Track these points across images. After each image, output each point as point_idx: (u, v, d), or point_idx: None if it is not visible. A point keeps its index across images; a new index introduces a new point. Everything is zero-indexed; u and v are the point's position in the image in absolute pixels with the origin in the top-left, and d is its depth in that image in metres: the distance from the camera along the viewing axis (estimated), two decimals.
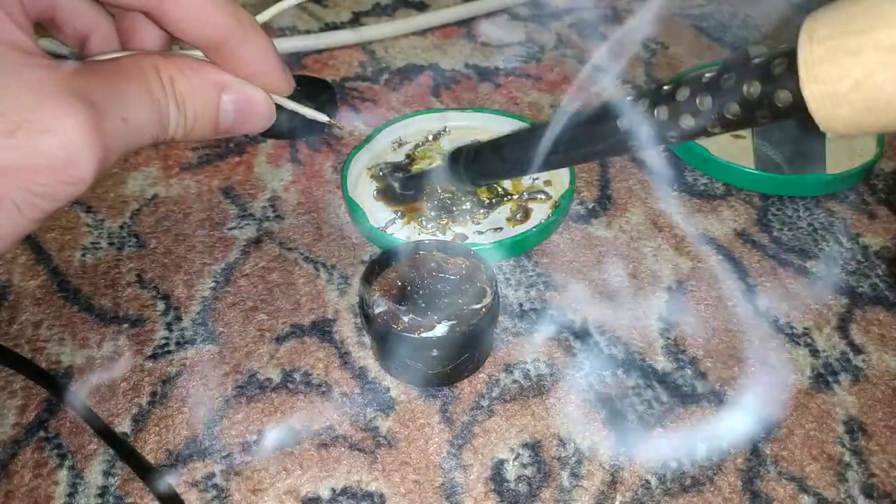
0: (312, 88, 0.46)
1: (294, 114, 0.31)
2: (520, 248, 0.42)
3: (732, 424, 0.34)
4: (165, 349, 0.37)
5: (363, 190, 0.46)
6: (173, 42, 0.31)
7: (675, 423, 0.34)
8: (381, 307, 0.35)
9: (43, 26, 0.30)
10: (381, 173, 0.47)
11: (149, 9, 0.25)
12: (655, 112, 0.28)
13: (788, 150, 0.46)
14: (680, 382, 0.36)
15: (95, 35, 0.32)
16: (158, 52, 0.30)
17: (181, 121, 0.26)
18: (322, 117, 0.33)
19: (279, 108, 0.30)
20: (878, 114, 0.21)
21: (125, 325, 0.39)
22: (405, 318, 0.34)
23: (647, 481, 0.32)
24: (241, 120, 0.29)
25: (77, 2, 0.30)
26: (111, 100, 0.23)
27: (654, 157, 0.50)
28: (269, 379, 0.36)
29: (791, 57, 0.22)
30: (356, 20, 0.67)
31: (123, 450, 0.32)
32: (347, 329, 0.38)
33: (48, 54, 0.23)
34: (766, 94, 0.24)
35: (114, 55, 0.27)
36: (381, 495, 0.32)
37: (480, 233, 0.43)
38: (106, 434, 0.33)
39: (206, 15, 0.26)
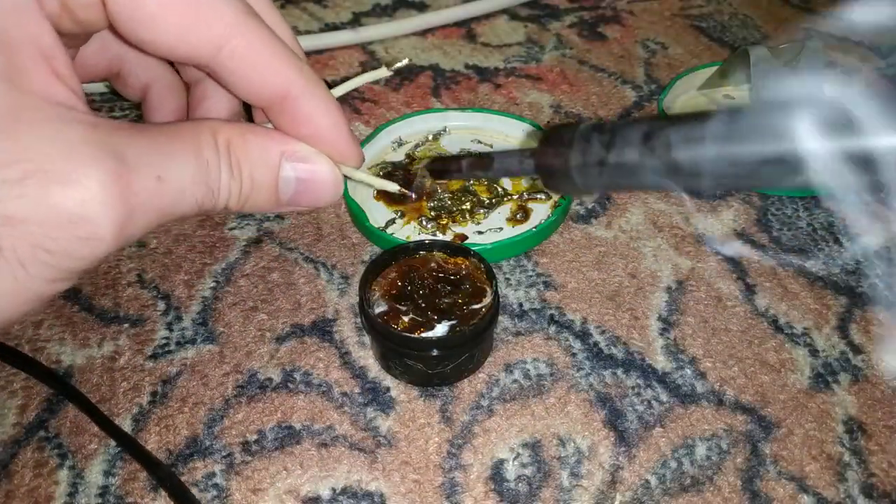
0: None
1: None
2: (520, 248, 0.42)
3: (732, 423, 0.34)
4: (166, 349, 0.37)
5: (363, 190, 0.46)
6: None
7: (674, 422, 0.34)
8: (381, 307, 0.35)
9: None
10: (380, 173, 0.47)
11: (206, 61, 0.23)
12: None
13: None
14: (680, 382, 0.36)
15: (157, 85, 0.31)
16: (223, 119, 0.28)
17: (235, 187, 0.24)
18: (393, 187, 0.32)
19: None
20: None
21: (125, 325, 0.39)
22: (405, 318, 0.35)
23: (647, 481, 0.32)
24: (303, 190, 0.26)
25: (142, 55, 0.29)
26: (147, 157, 0.21)
27: None
28: (269, 379, 0.36)
29: None
30: (356, 20, 0.67)
31: (133, 447, 0.32)
32: (347, 329, 0.39)
33: (93, 111, 0.21)
34: None
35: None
36: (381, 495, 0.32)
37: (480, 233, 0.43)
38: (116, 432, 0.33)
39: (266, 65, 0.24)
